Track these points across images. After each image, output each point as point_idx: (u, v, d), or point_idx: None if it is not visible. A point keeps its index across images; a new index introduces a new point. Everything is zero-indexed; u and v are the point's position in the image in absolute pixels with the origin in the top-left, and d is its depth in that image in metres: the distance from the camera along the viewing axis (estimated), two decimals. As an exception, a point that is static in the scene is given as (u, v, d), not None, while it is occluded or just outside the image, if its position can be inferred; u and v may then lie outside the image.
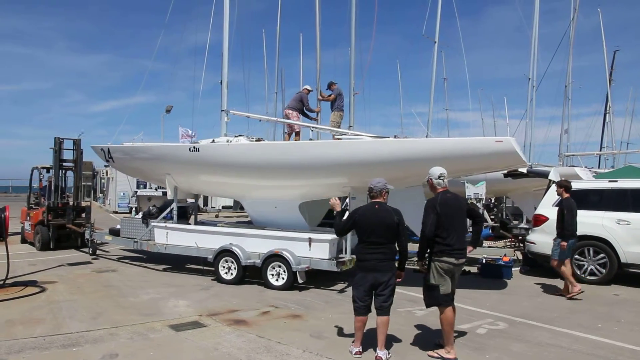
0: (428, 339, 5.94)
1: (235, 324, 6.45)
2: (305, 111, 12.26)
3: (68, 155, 14.12)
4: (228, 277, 9.19)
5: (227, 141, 10.42)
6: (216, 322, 6.56)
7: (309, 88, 12.57)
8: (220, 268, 9.27)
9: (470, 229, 6.12)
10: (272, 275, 8.79)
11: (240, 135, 10.66)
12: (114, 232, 12.28)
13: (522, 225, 15.38)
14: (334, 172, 9.03)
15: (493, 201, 20.46)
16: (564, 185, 8.51)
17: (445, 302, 5.30)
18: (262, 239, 9.35)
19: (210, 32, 12.92)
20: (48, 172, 14.78)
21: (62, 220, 13.48)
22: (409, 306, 7.57)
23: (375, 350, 5.24)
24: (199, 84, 11.63)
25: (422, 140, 9.09)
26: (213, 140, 10.75)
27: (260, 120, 11.09)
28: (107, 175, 31.06)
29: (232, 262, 9.18)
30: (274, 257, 8.78)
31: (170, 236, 10.54)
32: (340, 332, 6.17)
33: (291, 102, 12.18)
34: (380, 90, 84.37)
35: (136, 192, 20.95)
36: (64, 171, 14.21)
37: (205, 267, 9.86)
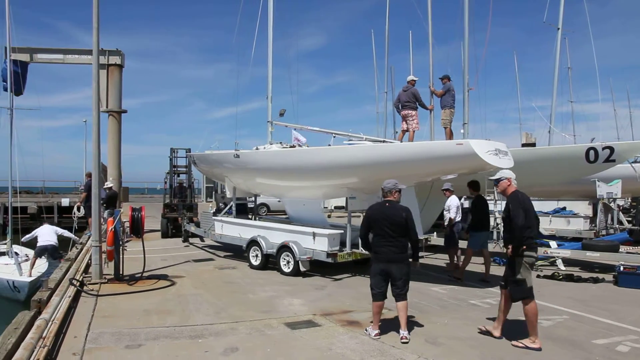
0: (559, 353, 5.43)
1: (349, 325, 6.45)
2: (419, 106, 11.90)
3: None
4: (255, 262, 10.69)
5: (263, 148, 12.07)
6: (330, 322, 6.62)
7: (414, 78, 12.10)
8: (250, 255, 10.78)
9: None
10: (284, 262, 10.00)
11: (278, 143, 12.23)
12: (197, 224, 14.77)
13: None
14: (339, 174, 9.82)
15: (629, 201, 18.36)
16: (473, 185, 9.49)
17: (531, 294, 5.53)
18: (281, 232, 10.70)
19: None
20: (178, 176, 17.77)
21: (175, 214, 16.45)
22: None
23: (398, 332, 5.81)
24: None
25: (390, 145, 9.73)
26: (257, 147, 12.29)
27: (295, 129, 12.35)
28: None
29: (258, 251, 10.64)
30: (284, 248, 10.03)
31: (224, 228, 12.45)
32: (457, 339, 5.88)
33: (408, 103, 11.73)
34: (496, 85, 79.93)
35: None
36: (178, 175, 17.52)
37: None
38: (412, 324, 6.41)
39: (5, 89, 15.00)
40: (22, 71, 15.97)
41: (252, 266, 10.70)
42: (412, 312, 7.05)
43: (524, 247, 5.46)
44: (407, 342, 5.67)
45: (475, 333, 6.07)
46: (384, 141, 10.59)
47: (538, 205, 16.92)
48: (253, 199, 15.26)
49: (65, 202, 27.38)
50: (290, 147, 11.65)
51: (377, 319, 5.98)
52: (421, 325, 6.45)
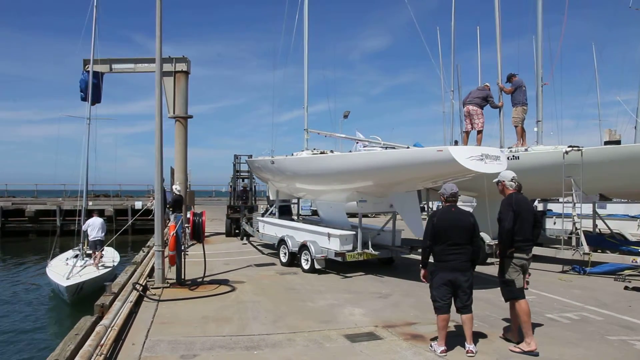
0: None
1: (413, 339, 6.03)
2: (490, 107, 12.35)
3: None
4: (284, 259, 11.59)
5: (297, 154, 12.89)
6: (392, 334, 6.23)
7: (488, 84, 12.69)
8: (280, 252, 11.78)
9: None
10: (304, 260, 10.74)
11: (311, 149, 12.97)
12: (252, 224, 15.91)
13: None
14: (346, 178, 10.39)
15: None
16: None
17: (521, 295, 5.56)
18: (304, 232, 11.44)
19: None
20: (243, 180, 19.35)
21: (238, 215, 17.79)
22: (623, 334, 6.23)
23: (464, 347, 5.43)
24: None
25: (380, 152, 10.18)
26: (292, 154, 13.12)
27: (325, 136, 13.60)
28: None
29: (286, 249, 11.45)
30: (304, 247, 10.80)
31: (265, 227, 13.48)
32: (533, 358, 5.29)
33: (476, 99, 12.09)
34: (572, 80, 75.36)
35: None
36: (243, 180, 19.25)
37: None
38: (480, 338, 5.90)
39: (83, 99, 15.80)
40: (98, 82, 16.72)
41: (282, 263, 11.59)
42: (481, 325, 6.52)
43: (513, 249, 5.51)
44: (473, 356, 5.32)
45: (554, 353, 5.46)
46: (384, 147, 11.19)
47: (622, 209, 15.50)
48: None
49: (138, 205, 28.63)
50: (321, 153, 12.21)
51: (444, 334, 5.53)
52: (491, 341, 5.91)
